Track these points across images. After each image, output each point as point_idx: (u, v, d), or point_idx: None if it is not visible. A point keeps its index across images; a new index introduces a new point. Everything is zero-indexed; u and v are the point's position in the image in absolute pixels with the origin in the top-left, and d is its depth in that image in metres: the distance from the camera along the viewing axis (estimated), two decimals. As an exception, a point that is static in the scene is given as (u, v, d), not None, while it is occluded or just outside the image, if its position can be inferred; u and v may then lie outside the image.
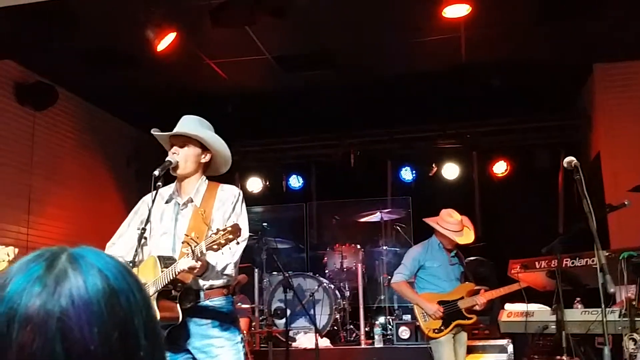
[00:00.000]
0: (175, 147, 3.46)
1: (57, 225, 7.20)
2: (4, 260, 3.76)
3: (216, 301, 3.32)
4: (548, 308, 5.08)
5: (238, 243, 3.11)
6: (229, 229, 2.93)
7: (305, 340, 7.15)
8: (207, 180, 3.57)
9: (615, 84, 7.43)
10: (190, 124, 3.53)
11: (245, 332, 6.92)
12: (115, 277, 0.90)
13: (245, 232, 3.20)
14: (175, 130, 3.48)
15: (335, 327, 7.60)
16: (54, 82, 6.97)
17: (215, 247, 2.95)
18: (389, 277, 7.36)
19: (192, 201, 3.47)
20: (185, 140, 3.46)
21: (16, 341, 0.82)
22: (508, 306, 5.55)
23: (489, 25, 6.29)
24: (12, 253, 3.79)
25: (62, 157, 7.43)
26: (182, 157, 3.45)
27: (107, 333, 0.85)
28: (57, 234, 7.13)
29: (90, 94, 7.74)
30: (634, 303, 4.32)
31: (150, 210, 3.32)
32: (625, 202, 4.66)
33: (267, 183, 9.70)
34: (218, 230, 2.96)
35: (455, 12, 5.81)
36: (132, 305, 0.89)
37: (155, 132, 3.55)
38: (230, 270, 3.29)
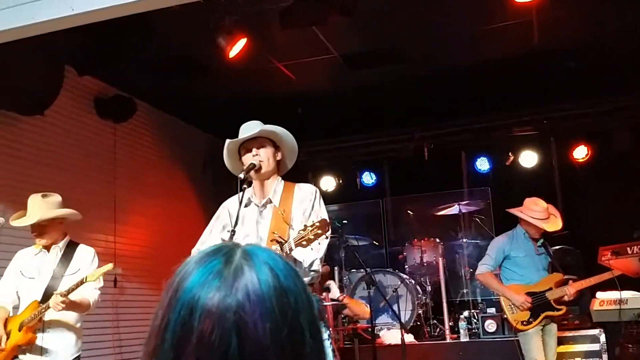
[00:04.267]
0: (254, 150, 3.52)
1: (142, 232, 7.43)
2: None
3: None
4: (643, 295, 4.90)
5: (327, 237, 3.13)
6: (317, 224, 2.95)
7: (389, 336, 7.11)
8: (282, 181, 3.62)
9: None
10: (258, 127, 3.59)
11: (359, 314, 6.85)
12: (285, 277, 0.93)
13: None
14: (247, 135, 3.53)
15: (419, 323, 7.54)
16: (131, 94, 7.19)
17: (304, 243, 2.98)
18: (471, 270, 7.24)
19: (270, 202, 3.52)
20: (261, 141, 3.54)
21: (197, 329, 0.86)
22: (600, 294, 5.37)
23: (562, 6, 6.08)
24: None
25: (142, 167, 7.66)
26: (265, 157, 3.52)
27: (278, 329, 0.87)
28: (141, 240, 7.37)
29: (165, 103, 7.93)
30: None
31: (238, 212, 3.37)
32: None
33: (341, 181, 9.72)
34: (306, 226, 2.98)
35: (526, -5, 5.63)
36: (300, 304, 0.92)
37: (230, 140, 3.60)
38: (317, 266, 3.33)
